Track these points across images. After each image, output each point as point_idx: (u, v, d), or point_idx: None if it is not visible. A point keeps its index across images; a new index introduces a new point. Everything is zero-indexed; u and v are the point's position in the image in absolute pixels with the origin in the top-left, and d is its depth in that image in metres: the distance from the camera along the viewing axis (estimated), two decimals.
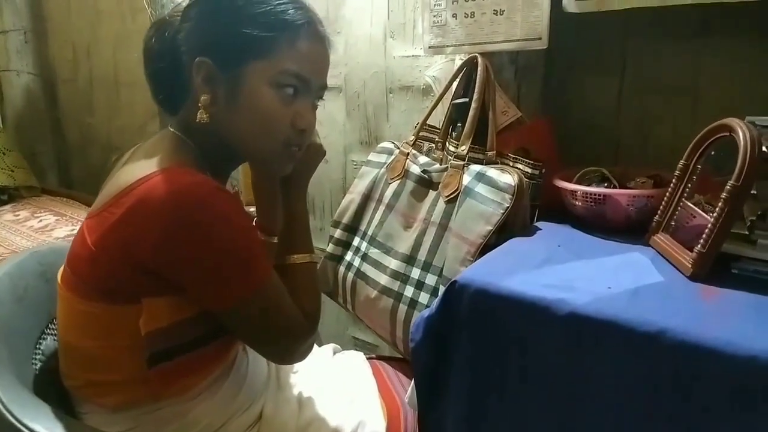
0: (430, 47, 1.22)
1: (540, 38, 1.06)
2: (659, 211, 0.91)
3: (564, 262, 0.85)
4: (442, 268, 1.03)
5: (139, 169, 0.71)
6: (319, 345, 1.15)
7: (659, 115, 1.16)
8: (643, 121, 1.18)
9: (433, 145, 1.24)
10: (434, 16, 1.20)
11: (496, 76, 1.16)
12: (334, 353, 1.12)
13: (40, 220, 1.92)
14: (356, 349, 1.18)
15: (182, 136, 0.77)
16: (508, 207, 0.97)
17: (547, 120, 1.19)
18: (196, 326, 0.74)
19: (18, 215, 2.01)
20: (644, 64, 1.16)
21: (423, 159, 1.19)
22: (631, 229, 0.95)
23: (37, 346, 0.83)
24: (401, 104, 1.56)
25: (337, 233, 1.25)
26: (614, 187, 1.00)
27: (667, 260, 0.84)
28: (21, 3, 2.65)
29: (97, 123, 2.65)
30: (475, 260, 0.97)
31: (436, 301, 0.83)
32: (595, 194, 0.96)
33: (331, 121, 1.72)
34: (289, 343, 0.79)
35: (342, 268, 1.23)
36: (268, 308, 0.74)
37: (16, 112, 2.70)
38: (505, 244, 0.95)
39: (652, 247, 0.90)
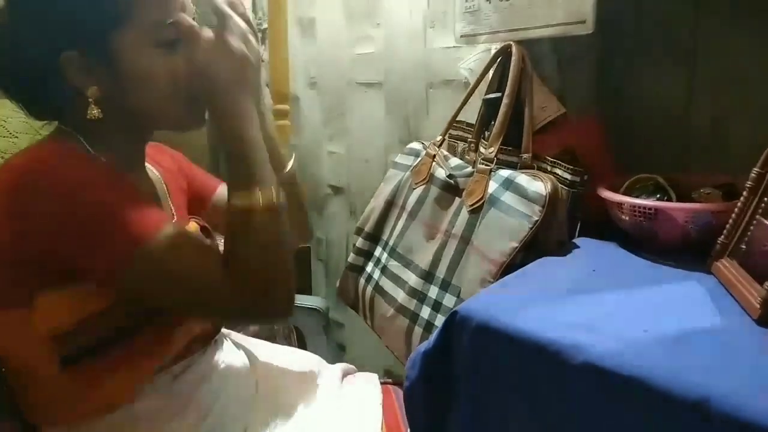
0: (461, 36, 1.09)
1: (584, 21, 0.90)
2: (726, 231, 0.73)
3: (595, 293, 0.69)
4: (461, 289, 0.91)
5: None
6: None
7: (738, 112, 0.96)
8: (718, 120, 0.98)
9: (467, 145, 1.11)
10: (466, 1, 1.06)
11: (536, 66, 1.01)
12: (344, 375, 1.02)
13: None
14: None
15: (71, 130, 0.70)
16: (537, 221, 0.83)
17: (598, 117, 1.02)
18: (111, 319, 0.67)
19: None
20: (720, 51, 0.96)
21: (455, 161, 1.06)
22: (691, 250, 0.78)
23: None
24: (442, 100, 1.43)
25: (359, 242, 1.15)
26: (669, 199, 0.83)
27: (731, 294, 0.67)
28: None
29: None
30: (496, 282, 0.83)
31: (434, 334, 0.70)
32: (644, 208, 0.79)
33: (370, 118, 1.62)
34: (204, 308, 0.69)
35: (362, 281, 1.13)
36: (157, 271, 0.64)
37: None
38: (529, 265, 0.80)
39: (714, 276, 0.72)
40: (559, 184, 0.89)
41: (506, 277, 0.77)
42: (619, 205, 0.83)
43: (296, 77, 1.82)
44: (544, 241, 0.86)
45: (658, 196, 0.83)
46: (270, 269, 0.66)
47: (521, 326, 0.62)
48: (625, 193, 0.85)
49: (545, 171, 0.94)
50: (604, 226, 0.90)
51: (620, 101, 1.05)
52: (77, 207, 0.61)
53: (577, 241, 0.89)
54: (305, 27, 1.76)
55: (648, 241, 0.82)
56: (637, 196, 0.84)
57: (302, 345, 1.26)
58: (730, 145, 0.97)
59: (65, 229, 0.61)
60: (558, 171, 0.92)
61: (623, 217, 0.83)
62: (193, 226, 0.84)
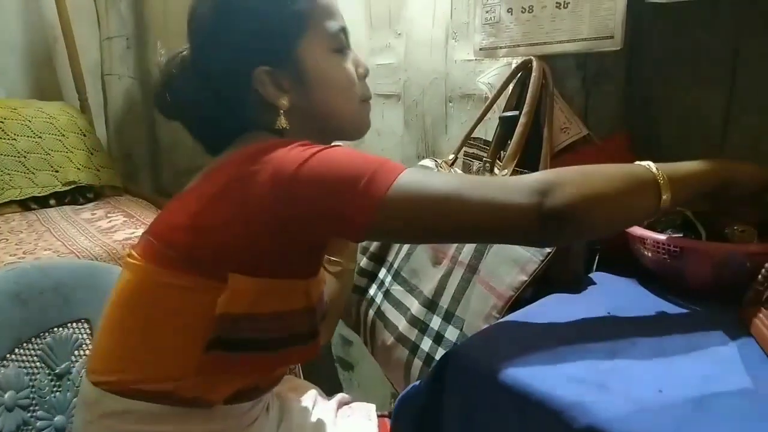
0: (481, 49, 1.03)
1: (612, 36, 0.83)
2: (761, 276, 0.65)
3: (608, 340, 0.62)
4: (464, 322, 0.84)
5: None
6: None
7: None
8: (757, 147, 0.89)
9: (482, 164, 1.05)
10: (486, 12, 1.00)
11: (559, 83, 0.94)
12: (339, 407, 0.96)
13: (110, 221, 1.95)
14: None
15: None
16: (549, 253, 0.76)
17: (624, 140, 0.94)
18: (266, 327, 0.67)
19: (95, 214, 2.06)
20: (761, 72, 0.88)
21: None
22: (721, 294, 0.70)
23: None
24: (461, 114, 1.36)
25: (363, 262, 1.09)
26: (698, 237, 0.74)
27: (764, 351, 0.59)
28: (126, 11, 2.78)
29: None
30: (503, 317, 0.76)
31: (424, 377, 0.64)
32: (668, 244, 0.71)
33: (389, 131, 1.57)
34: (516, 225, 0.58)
35: (365, 303, 1.07)
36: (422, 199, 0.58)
37: (117, 114, 2.84)
38: (537, 303, 0.73)
39: (746, 327, 0.64)
40: None
41: (510, 316, 0.70)
42: (642, 239, 0.75)
43: None
44: (557, 274, 0.78)
45: (685, 232, 0.75)
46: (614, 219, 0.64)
47: (521, 377, 0.55)
48: (648, 227, 0.77)
49: None
50: (625, 259, 0.82)
51: (650, 124, 0.97)
52: (334, 162, 0.60)
53: (594, 276, 0.82)
54: None
55: (672, 282, 0.74)
56: (661, 231, 0.76)
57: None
58: None
59: (328, 183, 0.59)
60: None
61: (646, 253, 0.75)
62: None
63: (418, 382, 0.65)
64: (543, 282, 0.78)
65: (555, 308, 0.71)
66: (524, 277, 0.77)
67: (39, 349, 0.84)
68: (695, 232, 0.75)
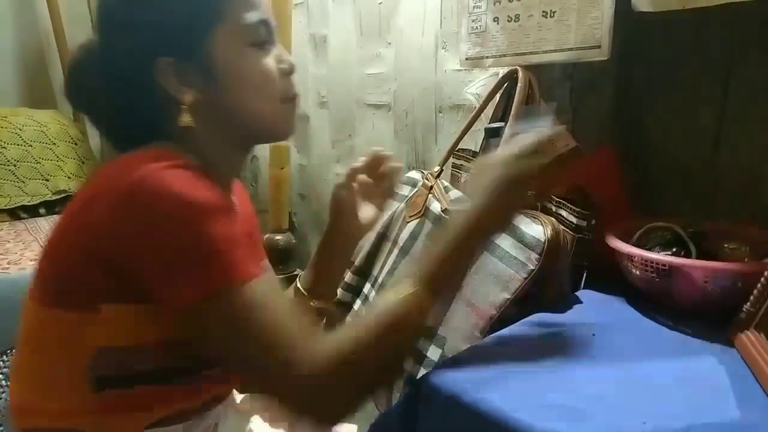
0: (467, 59, 1.00)
1: (599, 46, 0.80)
2: (753, 297, 0.62)
3: (590, 365, 0.59)
4: (446, 342, 0.81)
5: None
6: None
7: None
8: (750, 163, 0.86)
9: (468, 176, 1.02)
10: (473, 21, 0.98)
11: (546, 94, 0.91)
12: None
13: None
14: None
15: (172, 146, 0.64)
16: (533, 270, 0.73)
17: (613, 153, 0.91)
18: (157, 356, 0.60)
19: None
20: (756, 83, 0.85)
21: (456, 194, 0.97)
22: (711, 314, 0.67)
23: None
24: (451, 125, 1.34)
25: (348, 276, 1.06)
26: (688, 254, 0.71)
27: (755, 376, 0.56)
28: None
29: None
30: (484, 337, 0.73)
31: (397, 403, 0.61)
32: (657, 263, 0.68)
33: (379, 141, 1.54)
34: (281, 378, 0.54)
35: (349, 319, 1.04)
36: (240, 318, 0.54)
37: None
38: (519, 323, 0.70)
39: (737, 350, 0.61)
40: (563, 228, 0.79)
41: (491, 337, 0.67)
42: (629, 257, 0.72)
43: (307, 96, 1.76)
44: (541, 292, 0.75)
45: (674, 249, 0.72)
46: (387, 373, 0.58)
47: (497, 404, 0.52)
48: (637, 244, 0.74)
49: (549, 212, 0.84)
50: (614, 276, 0.79)
51: (639, 136, 0.94)
52: (190, 226, 0.53)
53: (581, 294, 0.79)
54: (318, 44, 1.70)
55: (661, 301, 0.71)
56: (650, 248, 0.73)
57: None
58: (763, 193, 0.85)
59: (166, 245, 0.53)
60: (563, 213, 0.82)
61: (634, 271, 0.72)
62: None
63: (392, 407, 0.62)
64: (527, 300, 0.75)
65: (537, 330, 0.68)
66: (507, 295, 0.74)
67: (6, 367, 0.81)
68: (686, 249, 0.72)
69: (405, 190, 1.05)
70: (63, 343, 0.60)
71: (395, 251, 0.99)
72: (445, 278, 0.59)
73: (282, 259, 1.72)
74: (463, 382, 0.56)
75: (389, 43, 1.46)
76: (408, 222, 0.99)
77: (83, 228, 0.56)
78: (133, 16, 0.62)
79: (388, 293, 0.58)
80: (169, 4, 0.62)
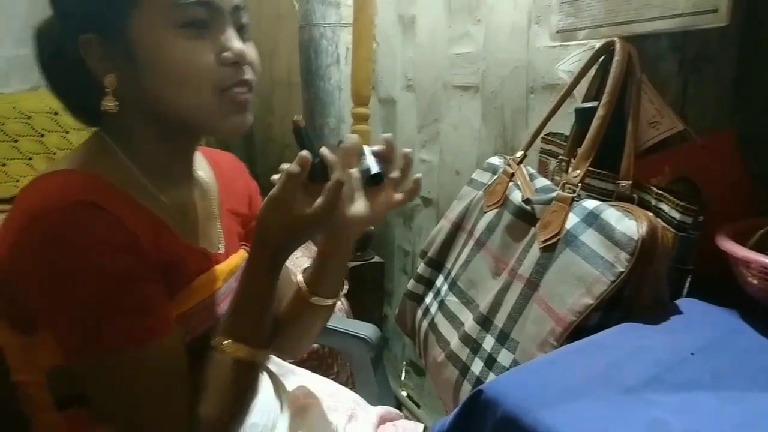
0: (557, 32, 0.90)
1: (716, 10, 0.67)
2: None
3: (685, 391, 0.49)
4: (518, 346, 0.73)
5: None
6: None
7: None
8: None
9: (558, 163, 0.92)
10: None
11: (649, 69, 0.79)
12: (383, 422, 0.88)
13: None
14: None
15: (106, 136, 0.63)
16: (622, 272, 0.63)
17: (730, 137, 0.77)
18: None
19: None
20: None
21: (542, 182, 0.88)
22: None
23: None
24: (543, 107, 1.21)
25: (421, 267, 1.01)
26: None
27: None
28: None
29: (275, 122, 2.75)
30: (560, 345, 0.65)
31: (453, 413, 0.54)
32: None
33: (466, 125, 1.46)
34: None
35: (420, 313, 0.98)
36: (119, 386, 0.56)
37: None
38: (602, 333, 0.61)
39: None
40: (662, 225, 0.68)
41: (568, 347, 0.59)
42: (746, 262, 0.60)
43: (395, 79, 1.71)
44: (632, 299, 0.65)
45: None
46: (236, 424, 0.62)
47: (560, 426, 0.44)
48: (756, 248, 0.61)
49: (647, 206, 0.73)
50: (725, 284, 0.66)
51: (764, 116, 0.79)
52: (79, 273, 0.54)
53: (681, 303, 0.67)
54: (406, 25, 1.64)
55: None
56: None
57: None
58: None
59: (47, 288, 0.54)
60: (664, 207, 0.71)
61: (750, 279, 0.60)
62: (241, 254, 0.77)
63: (447, 417, 0.56)
64: (615, 307, 0.65)
65: (624, 342, 0.59)
66: (590, 300, 0.64)
67: None
68: None
69: (484, 178, 0.97)
70: (19, 364, 0.62)
71: (470, 243, 0.91)
72: (244, 322, 0.62)
73: (360, 245, 1.70)
74: (524, 398, 0.49)
75: (478, 20, 1.36)
76: (486, 212, 0.91)
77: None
78: None
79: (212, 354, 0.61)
80: None
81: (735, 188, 0.76)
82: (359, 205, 0.68)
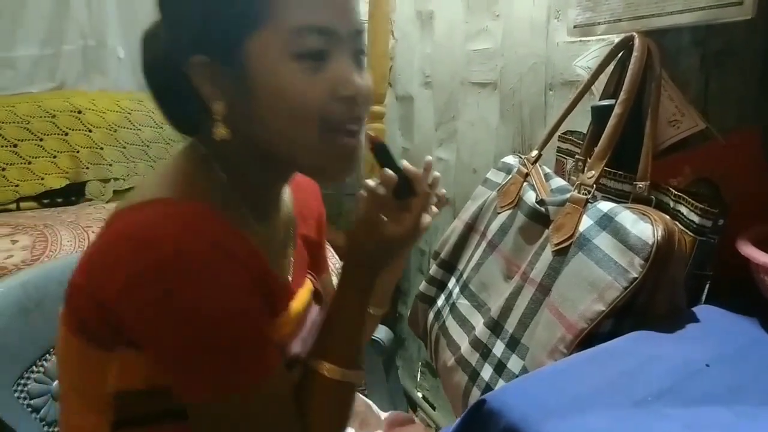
0: (575, 26, 0.87)
1: (740, 2, 0.64)
2: None
3: (695, 405, 0.46)
4: (528, 353, 0.71)
5: (139, 191, 0.58)
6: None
7: None
8: None
9: (575, 163, 0.89)
10: None
11: (670, 65, 0.76)
12: (393, 426, 0.86)
13: None
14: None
15: (207, 152, 0.59)
16: (635, 279, 0.60)
17: (755, 135, 0.74)
18: (171, 396, 0.57)
19: None
20: None
21: (558, 182, 0.86)
22: None
23: (31, 371, 0.76)
24: (562, 104, 1.18)
25: (433, 269, 0.99)
26: None
27: None
28: None
29: None
30: (572, 352, 0.63)
31: (456, 423, 0.53)
32: None
33: (483, 123, 1.43)
34: None
35: (431, 315, 0.97)
36: (234, 421, 0.54)
37: None
38: (614, 341, 0.58)
39: None
40: (681, 229, 0.65)
41: (572, 357, 0.57)
42: (765, 268, 0.57)
43: (412, 76, 1.69)
44: (646, 306, 0.63)
45: None
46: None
47: None
48: None
49: (665, 208, 0.70)
50: (746, 291, 0.63)
51: None
52: (187, 315, 0.51)
53: (699, 310, 0.64)
54: (424, 21, 1.62)
55: None
56: None
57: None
58: None
59: (163, 325, 0.52)
60: (682, 209, 0.68)
61: None
62: (308, 287, 0.74)
63: (450, 427, 0.54)
64: (628, 314, 0.63)
65: (636, 350, 0.56)
66: (601, 307, 0.62)
67: None
68: None
69: (499, 177, 0.95)
70: (83, 374, 0.59)
71: (483, 244, 0.89)
72: (342, 343, 0.61)
73: None
74: (528, 409, 0.47)
75: (497, 16, 1.34)
76: (499, 213, 0.89)
77: (94, 277, 0.54)
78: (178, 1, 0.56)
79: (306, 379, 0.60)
80: None
81: (759, 190, 0.73)
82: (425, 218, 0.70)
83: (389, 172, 0.58)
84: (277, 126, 0.55)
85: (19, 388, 0.74)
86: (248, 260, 0.54)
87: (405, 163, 0.60)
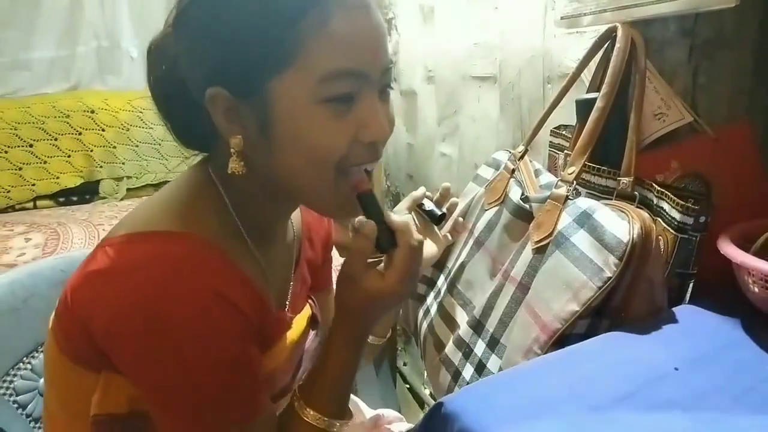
0: (562, 18, 0.85)
1: None
2: None
3: (653, 412, 0.44)
4: (505, 353, 0.69)
5: (140, 215, 0.57)
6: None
7: None
8: None
9: (565, 158, 0.87)
10: None
11: (656, 56, 0.74)
12: (375, 428, 0.86)
13: None
14: None
15: (214, 179, 0.58)
16: (610, 278, 0.59)
17: (746, 130, 0.71)
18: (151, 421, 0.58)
19: None
20: None
21: (546, 178, 0.84)
22: None
23: (18, 368, 0.77)
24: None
25: None
26: None
27: None
28: None
29: None
30: (546, 353, 0.61)
31: (416, 426, 0.52)
32: None
33: (484, 117, 1.41)
34: None
35: (421, 313, 0.96)
36: None
37: None
38: (586, 342, 0.57)
39: None
40: (663, 227, 0.63)
41: (537, 359, 0.55)
42: (747, 270, 0.54)
43: (414, 71, 1.67)
44: (622, 306, 0.61)
45: None
46: None
47: None
48: (759, 253, 0.56)
49: (648, 204, 0.68)
50: (730, 291, 0.61)
51: None
52: (176, 357, 0.51)
53: (679, 310, 0.62)
54: (426, 15, 1.60)
55: None
56: None
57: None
58: None
59: (150, 365, 0.52)
60: (664, 206, 0.65)
61: (752, 287, 0.55)
62: (305, 314, 0.73)
63: (413, 429, 0.54)
64: (604, 314, 0.61)
65: (605, 353, 0.54)
66: (576, 307, 0.60)
67: None
68: None
69: (488, 173, 0.93)
70: (68, 393, 0.59)
71: (470, 242, 0.88)
72: (325, 392, 0.59)
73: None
74: (482, 415, 0.46)
75: (496, 8, 1.31)
76: (486, 210, 0.87)
77: (84, 305, 0.53)
78: (203, 28, 0.52)
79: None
80: (244, 30, 0.50)
81: (750, 186, 0.70)
82: (429, 247, 0.71)
83: (370, 223, 0.55)
84: (294, 166, 0.53)
85: (5, 385, 0.76)
86: (242, 301, 0.53)
87: (389, 214, 0.57)
